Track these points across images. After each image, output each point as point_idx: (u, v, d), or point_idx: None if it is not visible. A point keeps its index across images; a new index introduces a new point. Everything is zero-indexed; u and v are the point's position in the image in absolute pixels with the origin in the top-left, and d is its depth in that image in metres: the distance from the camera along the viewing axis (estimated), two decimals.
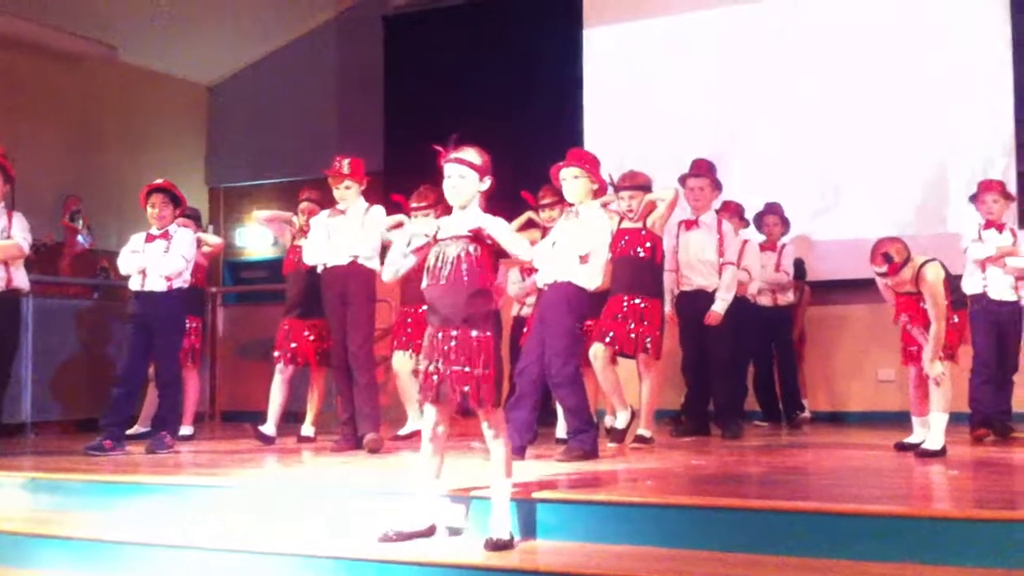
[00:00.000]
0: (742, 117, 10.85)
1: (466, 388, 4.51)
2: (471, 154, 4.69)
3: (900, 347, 6.89)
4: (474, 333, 4.56)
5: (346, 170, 7.43)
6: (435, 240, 4.69)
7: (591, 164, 6.57)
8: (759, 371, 9.57)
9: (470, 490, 4.90)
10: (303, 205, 8.28)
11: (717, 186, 8.24)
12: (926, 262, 6.50)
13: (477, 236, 4.60)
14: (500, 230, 4.62)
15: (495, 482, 4.63)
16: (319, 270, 7.49)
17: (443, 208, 6.34)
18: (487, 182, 4.70)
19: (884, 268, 6.47)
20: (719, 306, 7.87)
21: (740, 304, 8.26)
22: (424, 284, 4.68)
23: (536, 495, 4.83)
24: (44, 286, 9.99)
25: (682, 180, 8.15)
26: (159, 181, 7.69)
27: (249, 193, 14.45)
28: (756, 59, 10.91)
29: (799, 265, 9.87)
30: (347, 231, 7.36)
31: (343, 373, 7.42)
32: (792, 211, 9.99)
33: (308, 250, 7.61)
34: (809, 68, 10.67)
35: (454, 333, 4.55)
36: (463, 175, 4.66)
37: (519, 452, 6.30)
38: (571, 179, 6.52)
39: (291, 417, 8.45)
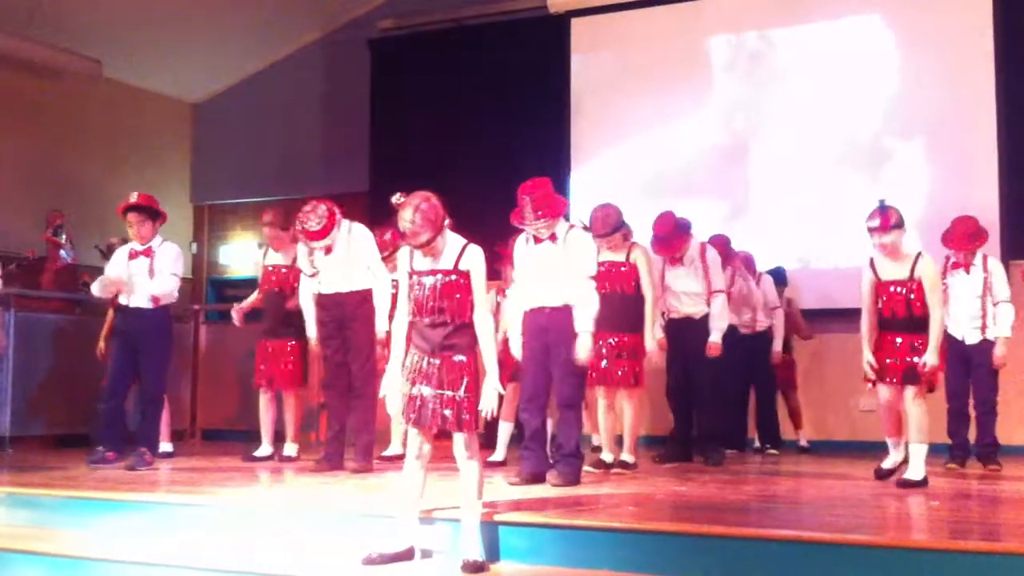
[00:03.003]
0: (728, 145, 10.92)
1: (448, 412, 4.58)
2: (422, 228, 4.61)
3: (873, 362, 6.66)
4: (456, 358, 4.64)
5: (315, 227, 7.13)
6: (412, 272, 4.74)
7: (549, 206, 6.32)
8: (738, 398, 9.49)
9: (432, 511, 4.92)
10: (265, 230, 8.29)
11: (684, 232, 7.99)
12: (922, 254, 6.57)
13: (459, 272, 4.67)
14: (479, 278, 4.71)
15: (466, 504, 4.67)
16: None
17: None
18: (446, 223, 4.71)
19: (877, 221, 6.47)
20: (715, 336, 7.86)
21: (728, 332, 8.24)
22: (410, 316, 4.73)
23: (516, 519, 4.85)
24: (26, 300, 9.94)
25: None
26: (133, 199, 7.58)
27: (234, 211, 14.44)
28: (745, 89, 11.00)
29: (779, 273, 9.86)
30: (335, 265, 7.30)
31: (337, 392, 7.38)
32: (774, 240, 10.04)
33: (304, 287, 7.59)
34: (795, 98, 10.76)
35: (437, 359, 4.64)
36: (430, 245, 4.67)
37: (540, 480, 6.29)
38: (543, 228, 6.40)
39: (280, 435, 8.44)
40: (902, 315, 6.55)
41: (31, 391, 9.42)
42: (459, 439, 4.65)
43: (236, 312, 8.26)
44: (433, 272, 4.70)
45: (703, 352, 7.86)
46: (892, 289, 6.57)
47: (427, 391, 4.62)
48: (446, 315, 4.65)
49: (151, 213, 7.55)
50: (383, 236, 7.93)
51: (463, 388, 4.61)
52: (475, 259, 4.71)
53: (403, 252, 4.87)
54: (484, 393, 4.63)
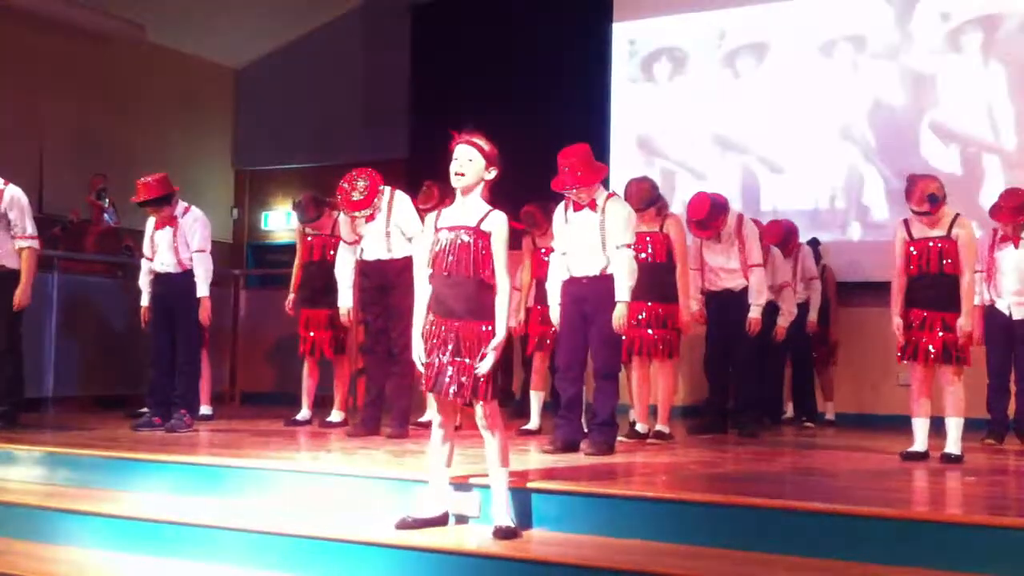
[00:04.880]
0: (771, 111, 10.81)
1: (463, 379, 4.53)
2: (482, 141, 4.67)
3: (902, 338, 6.54)
4: (474, 326, 4.57)
5: (358, 197, 7.19)
6: (437, 229, 4.70)
7: (586, 172, 6.32)
8: (775, 370, 9.44)
9: (468, 478, 4.95)
10: (308, 227, 8.44)
11: (721, 212, 7.88)
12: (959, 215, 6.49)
13: (480, 232, 4.61)
14: (500, 242, 4.62)
15: (493, 472, 4.67)
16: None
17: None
18: (493, 172, 4.68)
19: (927, 208, 6.37)
20: (755, 312, 7.86)
21: (768, 306, 8.22)
22: (428, 269, 4.69)
23: (549, 486, 4.87)
24: (69, 263, 10.05)
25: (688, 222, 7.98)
26: (138, 196, 7.53)
27: (275, 177, 14.48)
28: (783, 57, 10.88)
29: (814, 245, 9.82)
30: (377, 232, 7.33)
31: (376, 358, 7.43)
32: (812, 212, 10.05)
33: (341, 255, 7.67)
34: (839, 70, 10.66)
35: (456, 324, 4.57)
36: (471, 158, 4.63)
37: (574, 448, 6.30)
38: (582, 194, 6.34)
39: (320, 402, 8.54)
40: (933, 271, 6.42)
41: (73, 352, 9.53)
42: (478, 409, 4.60)
43: (289, 306, 8.53)
44: (454, 228, 4.63)
45: (742, 324, 7.84)
46: (926, 245, 6.47)
47: (444, 358, 4.56)
48: (462, 270, 4.56)
49: (161, 199, 7.54)
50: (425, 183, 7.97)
51: (479, 357, 4.56)
52: (498, 223, 4.63)
53: (430, 215, 4.85)
54: (485, 352, 4.54)
